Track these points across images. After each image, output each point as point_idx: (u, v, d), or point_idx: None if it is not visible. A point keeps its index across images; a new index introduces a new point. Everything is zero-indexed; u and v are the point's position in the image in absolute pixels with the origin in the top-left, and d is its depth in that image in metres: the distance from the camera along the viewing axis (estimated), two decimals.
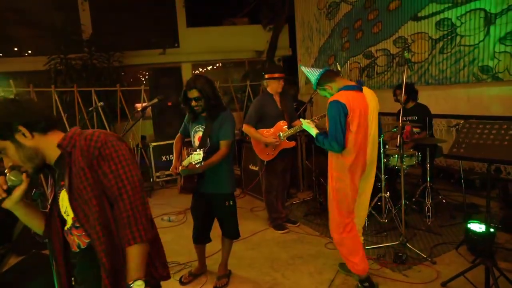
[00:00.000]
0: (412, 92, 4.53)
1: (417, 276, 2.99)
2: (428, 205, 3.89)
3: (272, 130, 4.00)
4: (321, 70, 2.80)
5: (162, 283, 1.53)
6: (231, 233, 3.08)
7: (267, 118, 4.00)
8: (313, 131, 2.82)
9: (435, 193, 4.25)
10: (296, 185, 5.59)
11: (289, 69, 10.72)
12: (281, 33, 11.06)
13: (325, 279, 3.06)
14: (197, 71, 11.84)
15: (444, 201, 4.25)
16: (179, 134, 3.21)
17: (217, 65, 12.33)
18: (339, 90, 2.69)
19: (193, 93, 2.82)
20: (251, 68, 11.53)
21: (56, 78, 8.39)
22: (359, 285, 2.82)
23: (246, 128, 4.04)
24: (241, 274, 3.29)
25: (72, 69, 8.55)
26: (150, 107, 7.68)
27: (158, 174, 6.52)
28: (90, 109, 5.44)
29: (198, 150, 2.70)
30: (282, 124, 4.01)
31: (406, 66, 3.46)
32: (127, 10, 10.26)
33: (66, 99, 7.79)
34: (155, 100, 3.03)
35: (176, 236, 4.15)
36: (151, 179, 6.63)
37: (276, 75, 3.94)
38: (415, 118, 4.51)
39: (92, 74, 8.53)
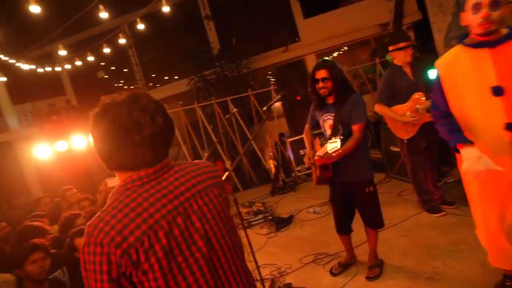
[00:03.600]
0: None
1: None
2: None
3: (407, 105, 3.61)
4: None
5: (313, 274, 1.54)
6: (374, 222, 2.91)
7: (400, 92, 3.63)
8: None
9: None
10: (449, 162, 4.92)
11: (423, 34, 9.59)
12: None
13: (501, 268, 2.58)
14: None
15: None
16: (307, 125, 3.20)
17: (342, 50, 11.92)
18: None
19: (322, 73, 2.78)
20: (378, 44, 10.77)
21: (198, 95, 9.47)
22: None
23: (378, 108, 3.76)
24: (394, 263, 3.06)
25: (209, 84, 9.51)
26: (281, 105, 7.98)
27: (298, 168, 6.66)
28: (227, 116, 5.94)
29: (333, 138, 2.64)
30: (418, 96, 3.57)
31: None
32: (246, 18, 10.88)
33: (208, 112, 8.70)
34: (278, 97, 3.09)
35: (323, 227, 4.14)
36: (293, 174, 6.83)
37: (401, 44, 3.54)
38: None
39: (225, 85, 9.31)
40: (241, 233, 2.28)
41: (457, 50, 2.07)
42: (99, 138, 1.05)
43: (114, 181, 4.00)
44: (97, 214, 1.02)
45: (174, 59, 11.40)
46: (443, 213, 3.67)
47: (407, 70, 3.64)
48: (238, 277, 1.15)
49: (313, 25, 10.99)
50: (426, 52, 9.21)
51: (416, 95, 3.58)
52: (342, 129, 2.82)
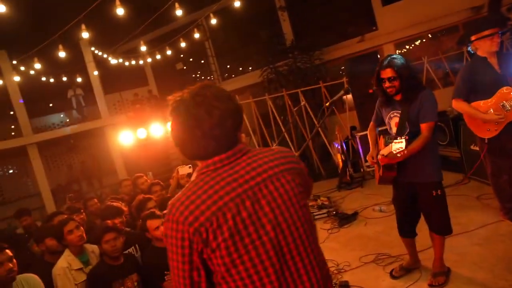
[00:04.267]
0: None
1: None
2: None
3: (491, 100, 3.26)
4: None
5: (372, 274, 1.49)
6: (440, 228, 2.71)
7: (483, 86, 3.27)
8: None
9: None
10: None
11: None
12: None
13: None
14: (402, 51, 10.97)
15: None
16: (371, 123, 3.09)
17: (425, 39, 11.04)
18: None
19: (387, 73, 2.65)
20: (477, 28, 9.70)
21: (269, 87, 9.55)
22: None
23: (455, 104, 3.43)
24: (463, 273, 2.83)
25: (281, 75, 9.52)
26: (352, 97, 7.72)
27: (367, 164, 6.42)
28: (295, 108, 5.92)
29: (399, 138, 2.54)
30: (507, 91, 3.19)
31: None
32: (322, 8, 10.60)
33: (279, 104, 8.74)
34: (341, 93, 3.01)
35: (387, 227, 3.96)
36: (362, 169, 6.60)
37: (486, 32, 3.18)
38: None
39: (297, 77, 9.23)
40: None
41: None
42: (172, 132, 1.18)
43: (185, 169, 4.27)
44: (177, 195, 1.14)
45: (248, 50, 11.63)
46: None
47: (493, 61, 3.27)
48: (309, 265, 1.14)
49: (393, 12, 10.30)
50: None
51: (504, 90, 3.20)
52: (409, 127, 2.67)
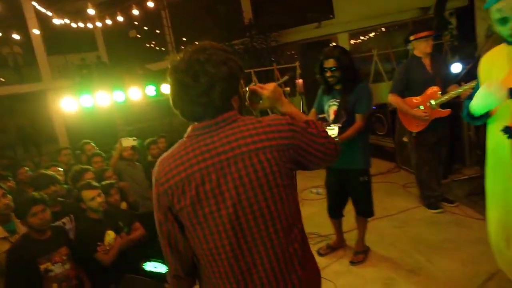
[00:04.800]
0: None
1: None
2: None
3: (422, 98, 3.54)
4: None
5: None
6: (364, 211, 2.97)
7: (415, 84, 3.55)
8: None
9: None
10: (461, 159, 4.82)
11: (466, 22, 9.09)
12: None
13: (482, 270, 2.61)
14: (356, 41, 11.34)
15: None
16: (313, 109, 3.23)
17: (378, 32, 11.48)
18: None
19: (330, 63, 2.79)
20: (415, 29, 10.26)
21: None
22: None
23: (391, 98, 3.70)
24: (380, 252, 3.13)
25: (236, 54, 9.49)
26: (302, 82, 7.88)
27: None
28: (246, 88, 5.96)
29: (332, 125, 2.68)
30: (435, 90, 3.49)
31: None
32: None
33: None
34: (285, 78, 3.10)
35: (322, 208, 4.17)
36: None
37: (422, 34, 3.44)
38: None
39: (252, 57, 9.27)
40: None
41: (501, 47, 1.92)
42: (169, 94, 1.19)
43: (129, 141, 4.19)
44: (166, 153, 1.20)
45: (206, 24, 11.39)
46: (440, 210, 3.67)
47: (426, 62, 3.55)
48: (269, 243, 1.13)
49: (350, 2, 10.58)
50: (466, 41, 8.78)
51: (431, 90, 3.50)
52: (345, 116, 2.83)
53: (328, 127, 2.60)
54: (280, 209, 1.14)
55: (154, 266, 2.67)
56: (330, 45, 2.94)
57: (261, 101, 1.33)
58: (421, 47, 3.49)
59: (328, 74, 2.81)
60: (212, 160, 1.10)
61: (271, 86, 1.33)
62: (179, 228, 1.18)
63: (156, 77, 8.57)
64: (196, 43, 1.16)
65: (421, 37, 3.46)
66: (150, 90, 5.52)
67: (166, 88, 5.66)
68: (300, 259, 1.19)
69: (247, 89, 1.29)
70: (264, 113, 2.14)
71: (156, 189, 1.16)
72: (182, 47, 12.37)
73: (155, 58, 12.29)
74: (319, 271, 1.32)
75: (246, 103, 1.30)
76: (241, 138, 1.11)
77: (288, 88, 2.53)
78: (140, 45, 13.22)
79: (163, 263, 2.57)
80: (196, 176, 1.10)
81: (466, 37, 8.92)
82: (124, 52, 11.08)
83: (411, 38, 3.55)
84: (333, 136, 2.53)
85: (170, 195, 1.13)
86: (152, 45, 13.51)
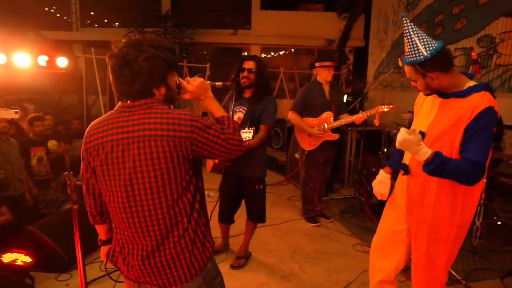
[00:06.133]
0: None
1: None
2: (478, 224, 3.51)
3: (317, 120, 3.88)
4: (436, 42, 1.73)
5: None
6: (257, 217, 3.11)
7: (313, 107, 3.88)
8: (424, 151, 1.68)
9: (491, 212, 3.82)
10: (341, 181, 5.40)
11: (360, 61, 10.26)
12: (356, 23, 10.56)
13: (342, 279, 2.94)
14: (267, 55, 11.84)
15: (499, 223, 3.80)
16: None
17: (287, 51, 12.19)
18: (472, 90, 1.75)
19: (250, 64, 2.89)
20: (319, 57, 11.22)
21: None
22: None
23: (291, 115, 3.96)
24: (260, 258, 3.30)
25: (172, 49, 9.03)
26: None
27: None
28: None
29: (247, 128, 2.72)
30: (328, 115, 3.86)
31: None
32: None
33: None
34: (219, 83, 3.08)
35: (209, 211, 4.26)
36: None
37: (326, 63, 3.80)
38: None
39: None
40: None
41: None
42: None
43: (9, 113, 3.67)
44: (99, 118, 1.44)
45: (119, 5, 10.61)
46: (318, 224, 4.04)
47: (326, 88, 3.90)
48: (150, 217, 1.36)
49: (267, 18, 11.04)
50: (358, 77, 9.92)
51: (326, 114, 3.86)
52: (249, 124, 2.92)
53: (243, 130, 2.64)
54: (162, 186, 1.34)
55: (14, 258, 2.36)
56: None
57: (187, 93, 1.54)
58: (323, 75, 3.84)
59: (244, 74, 2.89)
60: (122, 135, 1.34)
61: (197, 81, 1.53)
62: (95, 178, 1.45)
63: (52, 47, 7.67)
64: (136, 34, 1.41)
65: (325, 66, 3.80)
66: (41, 60, 4.89)
67: (61, 62, 5.09)
68: (181, 233, 1.39)
69: (177, 81, 1.46)
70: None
71: (84, 146, 1.43)
72: (88, 21, 11.36)
73: (53, 25, 11.01)
74: (198, 257, 1.46)
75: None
76: (147, 123, 1.32)
77: (220, 83, 2.51)
78: (38, 7, 11.67)
79: (26, 255, 2.30)
80: (108, 144, 1.35)
81: (359, 74, 10.10)
82: (17, 14, 9.62)
83: (317, 64, 3.88)
84: (248, 138, 2.60)
85: (89, 153, 1.40)
86: (52, 10, 12.04)
